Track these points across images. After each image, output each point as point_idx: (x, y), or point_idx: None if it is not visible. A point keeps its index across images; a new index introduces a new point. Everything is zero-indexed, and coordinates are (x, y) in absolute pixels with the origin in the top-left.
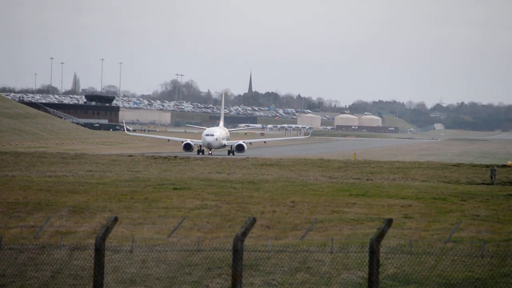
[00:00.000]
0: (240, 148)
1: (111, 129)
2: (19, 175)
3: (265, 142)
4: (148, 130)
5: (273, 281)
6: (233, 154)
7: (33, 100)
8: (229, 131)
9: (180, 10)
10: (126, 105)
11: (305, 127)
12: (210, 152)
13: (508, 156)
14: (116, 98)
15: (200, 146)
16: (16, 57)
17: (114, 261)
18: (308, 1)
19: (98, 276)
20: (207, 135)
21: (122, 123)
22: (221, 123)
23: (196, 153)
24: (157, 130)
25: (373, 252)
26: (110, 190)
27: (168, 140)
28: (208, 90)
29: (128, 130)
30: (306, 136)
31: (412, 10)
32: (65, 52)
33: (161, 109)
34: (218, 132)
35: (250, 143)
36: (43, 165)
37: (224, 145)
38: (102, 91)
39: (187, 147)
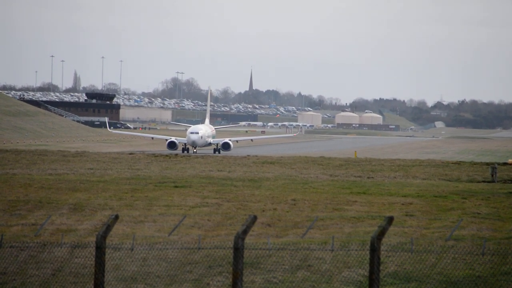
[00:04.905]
0: (226, 146)
1: (111, 127)
2: (20, 173)
3: (252, 140)
4: (149, 128)
5: (274, 279)
6: (219, 152)
7: (33, 98)
8: (218, 128)
9: (181, 8)
10: (127, 103)
11: (305, 125)
12: (195, 150)
13: (509, 154)
14: (117, 96)
15: (185, 144)
16: (16, 55)
17: (115, 259)
18: (309, 0)
19: (99, 274)
20: (191, 133)
21: (106, 121)
22: (207, 120)
23: (181, 151)
24: (158, 128)
25: (374, 250)
26: (111, 188)
27: (152, 138)
28: (209, 88)
29: (110, 127)
30: (294, 134)
31: (413, 8)
32: (65, 50)
33: (161, 107)
34: (203, 130)
35: (237, 141)
36: (43, 163)
37: (210, 143)
38: (103, 89)
39: (172, 145)
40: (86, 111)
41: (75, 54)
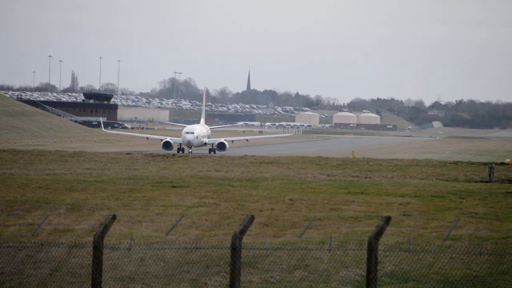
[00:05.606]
0: (221, 146)
1: (109, 127)
2: (17, 173)
3: (247, 140)
4: (147, 128)
5: (272, 279)
6: (214, 153)
7: (31, 98)
8: (214, 128)
9: (178, 8)
10: (125, 103)
11: (303, 125)
12: (190, 150)
13: (506, 154)
14: (115, 96)
15: (180, 144)
16: (14, 55)
17: (113, 258)
18: (307, 0)
19: (97, 273)
20: (187, 132)
21: (100, 121)
22: (202, 120)
23: (176, 151)
24: (156, 128)
25: (372, 249)
26: (108, 188)
27: (147, 138)
28: (207, 88)
29: (107, 127)
30: (290, 134)
31: (411, 8)
32: (63, 50)
33: (159, 107)
34: (199, 130)
35: (232, 141)
36: (41, 163)
37: (205, 143)
38: (100, 89)
39: (167, 145)
40: (83, 111)
41: (73, 54)
